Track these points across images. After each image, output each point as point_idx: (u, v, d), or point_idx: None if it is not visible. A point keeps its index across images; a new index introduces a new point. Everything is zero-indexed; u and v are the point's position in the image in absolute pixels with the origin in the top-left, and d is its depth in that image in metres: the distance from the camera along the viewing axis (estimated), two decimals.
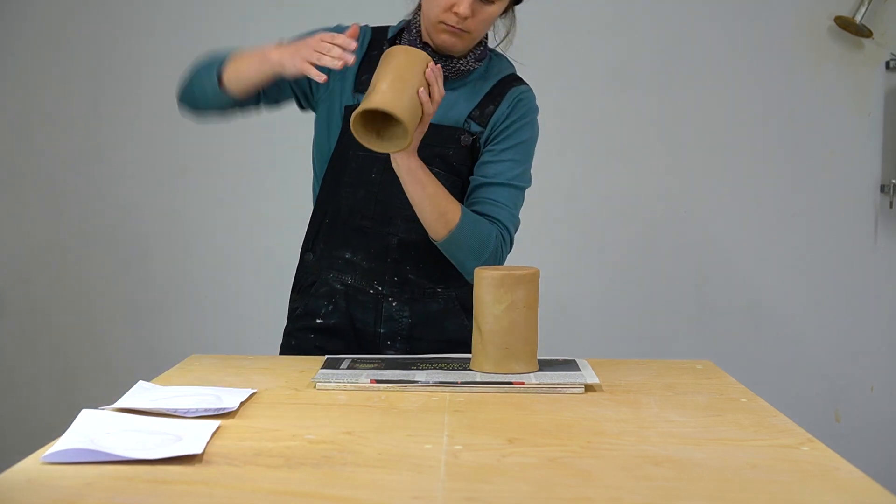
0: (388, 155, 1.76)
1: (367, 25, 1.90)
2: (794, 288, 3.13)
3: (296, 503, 1.02)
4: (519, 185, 1.85)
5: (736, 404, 1.46)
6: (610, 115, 3.09)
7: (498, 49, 1.92)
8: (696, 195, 3.12)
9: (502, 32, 1.90)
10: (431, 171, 1.76)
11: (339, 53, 1.61)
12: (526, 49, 3.08)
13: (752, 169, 3.11)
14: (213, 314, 3.13)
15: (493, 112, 1.83)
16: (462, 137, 1.82)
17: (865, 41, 3.06)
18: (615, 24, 3.08)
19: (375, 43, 1.86)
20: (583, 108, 3.09)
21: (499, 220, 1.82)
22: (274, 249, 3.12)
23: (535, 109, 1.89)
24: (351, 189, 1.82)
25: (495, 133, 1.84)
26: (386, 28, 1.90)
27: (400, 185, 1.75)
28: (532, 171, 2.04)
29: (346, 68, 1.68)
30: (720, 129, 3.11)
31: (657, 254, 3.14)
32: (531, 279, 1.61)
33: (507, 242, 1.84)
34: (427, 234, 1.78)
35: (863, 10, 3.00)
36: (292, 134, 3.13)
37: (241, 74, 1.75)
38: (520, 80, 1.89)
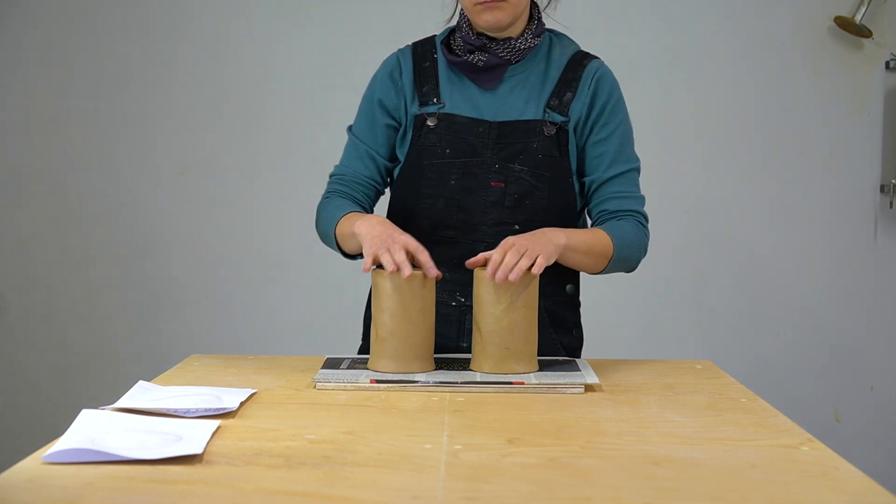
0: (466, 159, 1.77)
1: (406, 46, 1.87)
2: (794, 288, 3.13)
3: (296, 503, 1.02)
4: (633, 167, 1.84)
5: (736, 404, 1.46)
6: None
7: (546, 13, 1.88)
8: (695, 195, 3.12)
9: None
10: (514, 168, 1.76)
11: (395, 262, 1.57)
12: None
13: (751, 169, 3.11)
14: (213, 314, 3.13)
15: (573, 99, 1.79)
16: (545, 129, 1.78)
17: (865, 41, 3.06)
18: (615, 24, 3.08)
19: (422, 56, 1.83)
20: None
21: (633, 211, 1.83)
22: (274, 249, 3.12)
23: (616, 82, 1.85)
24: (431, 200, 1.78)
25: (591, 124, 1.81)
26: (432, 38, 1.87)
27: (481, 187, 1.76)
28: None
29: (406, 88, 1.79)
30: (720, 128, 3.11)
31: (657, 254, 3.12)
32: (531, 279, 1.61)
33: (645, 226, 1.86)
34: (511, 234, 1.71)
35: (863, 10, 3.00)
36: (292, 134, 3.13)
37: (350, 248, 1.76)
38: (588, 56, 1.84)
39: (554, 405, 1.44)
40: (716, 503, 1.03)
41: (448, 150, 1.77)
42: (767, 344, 3.14)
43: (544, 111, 1.79)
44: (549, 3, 1.88)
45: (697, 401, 1.48)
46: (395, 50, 1.88)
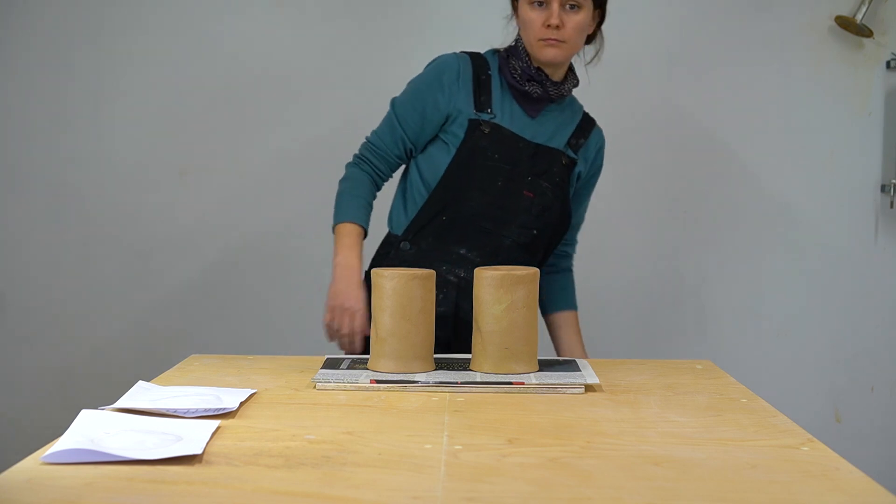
0: (509, 167, 2.03)
1: (462, 53, 2.12)
2: (794, 288, 3.13)
3: (296, 503, 1.02)
4: (582, 221, 2.30)
5: (736, 404, 1.46)
6: (609, 114, 3.08)
7: (587, 67, 2.23)
8: (696, 195, 3.12)
9: (591, 54, 2.20)
10: (542, 185, 2.07)
11: (344, 343, 1.93)
12: None
13: (752, 168, 3.11)
14: (213, 314, 3.13)
15: (584, 146, 2.16)
16: (563, 158, 2.11)
17: (865, 41, 3.06)
18: (615, 23, 3.07)
19: (480, 68, 2.10)
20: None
21: (572, 256, 2.30)
22: (274, 249, 3.12)
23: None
24: (479, 193, 2.03)
25: (584, 178, 2.19)
26: (482, 56, 2.13)
27: (516, 194, 2.04)
28: None
29: (461, 90, 2.05)
30: (720, 128, 3.11)
31: (657, 253, 3.14)
32: (531, 279, 1.61)
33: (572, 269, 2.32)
34: (529, 238, 2.06)
35: (863, 9, 3.00)
36: (292, 134, 3.13)
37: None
38: (592, 119, 2.22)
39: (554, 405, 1.44)
40: (716, 503, 1.03)
41: (496, 156, 2.04)
42: (767, 344, 3.14)
43: (565, 146, 2.13)
44: (592, 59, 2.21)
45: (697, 401, 1.48)
46: (451, 52, 2.13)
